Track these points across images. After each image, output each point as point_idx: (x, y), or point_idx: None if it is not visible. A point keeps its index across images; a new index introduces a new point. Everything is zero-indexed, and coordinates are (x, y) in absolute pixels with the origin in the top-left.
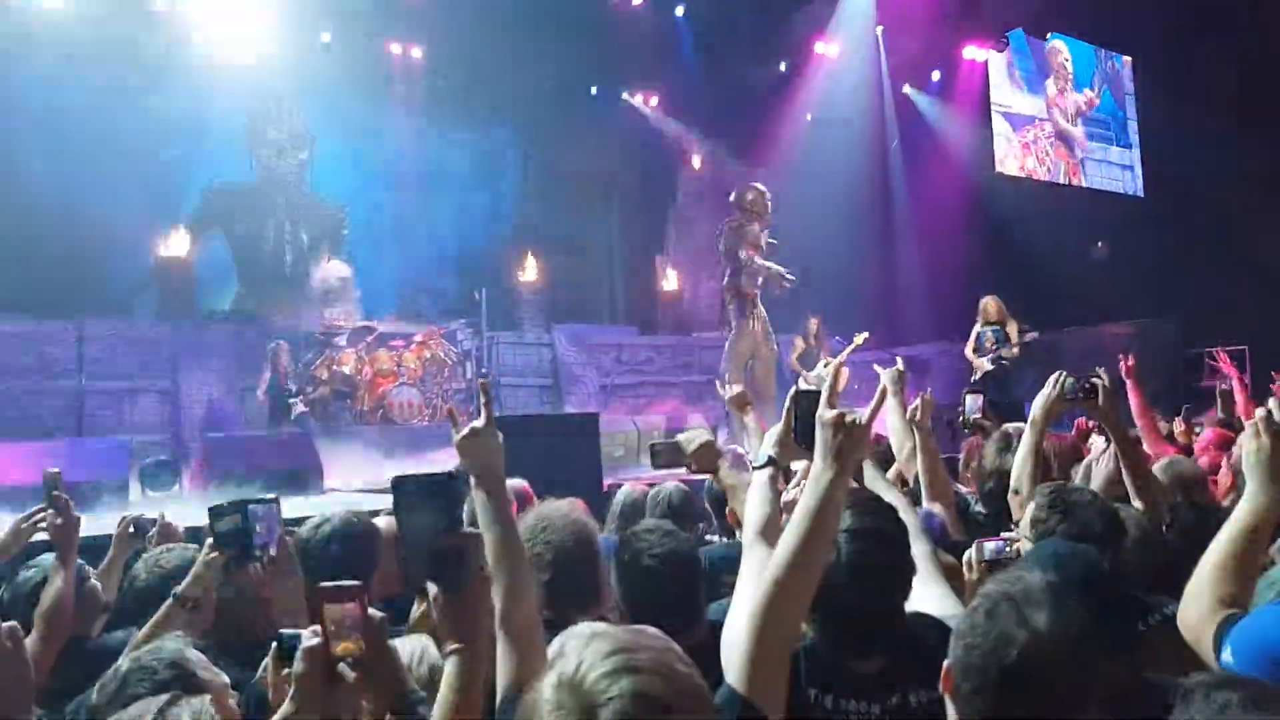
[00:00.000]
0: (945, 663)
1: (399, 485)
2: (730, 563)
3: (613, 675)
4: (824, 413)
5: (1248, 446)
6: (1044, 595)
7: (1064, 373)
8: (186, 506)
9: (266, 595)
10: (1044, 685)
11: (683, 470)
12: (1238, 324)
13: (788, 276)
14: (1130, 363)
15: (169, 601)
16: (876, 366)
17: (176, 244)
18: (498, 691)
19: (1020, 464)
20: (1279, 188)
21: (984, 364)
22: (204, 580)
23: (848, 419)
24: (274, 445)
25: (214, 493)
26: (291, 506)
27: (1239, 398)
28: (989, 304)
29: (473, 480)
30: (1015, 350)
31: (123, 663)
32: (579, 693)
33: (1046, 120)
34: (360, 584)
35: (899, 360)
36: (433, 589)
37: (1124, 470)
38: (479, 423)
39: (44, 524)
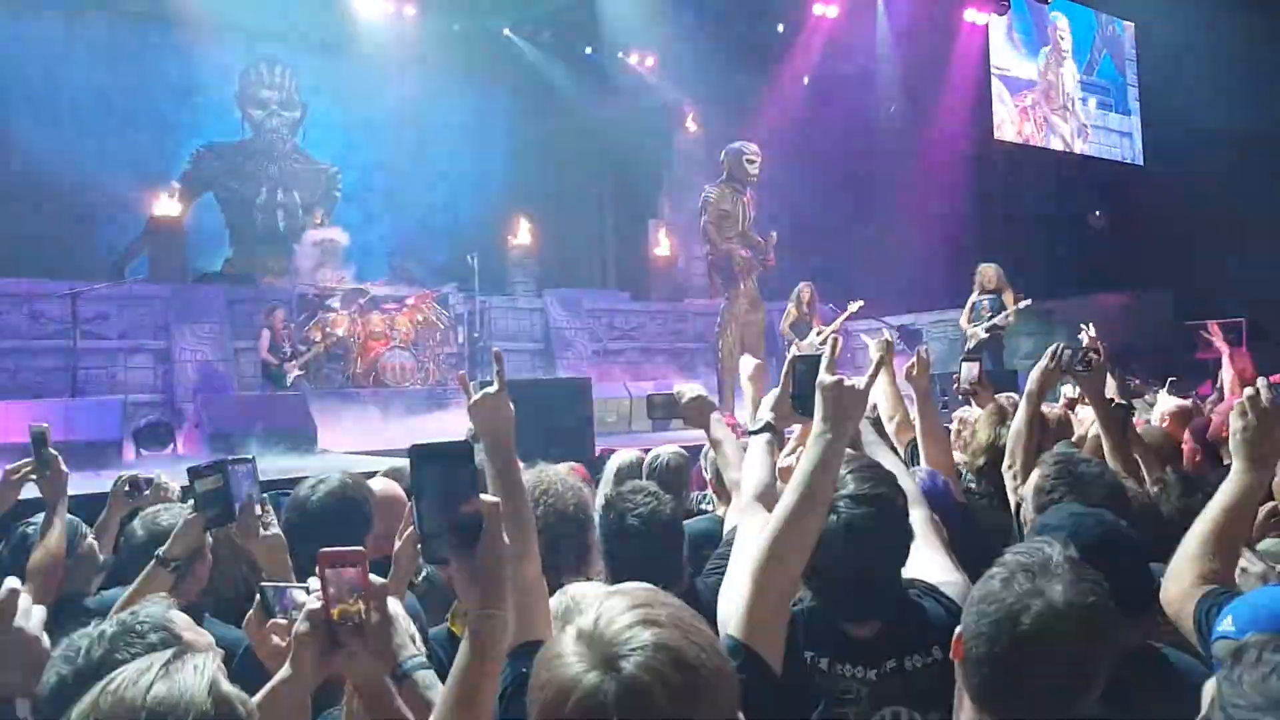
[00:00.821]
0: (956, 629)
1: (418, 453)
2: (710, 537)
3: (634, 627)
4: (824, 377)
5: (1234, 425)
6: (1061, 567)
7: (1062, 344)
8: (180, 467)
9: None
10: (1055, 655)
11: (678, 433)
12: (1236, 295)
13: (764, 262)
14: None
15: (151, 563)
16: (865, 336)
17: (168, 204)
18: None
19: (1015, 437)
20: (1275, 159)
21: (978, 333)
22: (185, 541)
23: (846, 383)
24: (268, 406)
25: (208, 453)
26: (286, 468)
27: (1226, 372)
28: (987, 271)
29: (484, 444)
30: (1011, 319)
31: (106, 626)
32: (601, 643)
33: (1049, 86)
34: (363, 550)
35: (885, 330)
36: (455, 557)
37: (1106, 441)
38: (492, 389)
39: (32, 477)
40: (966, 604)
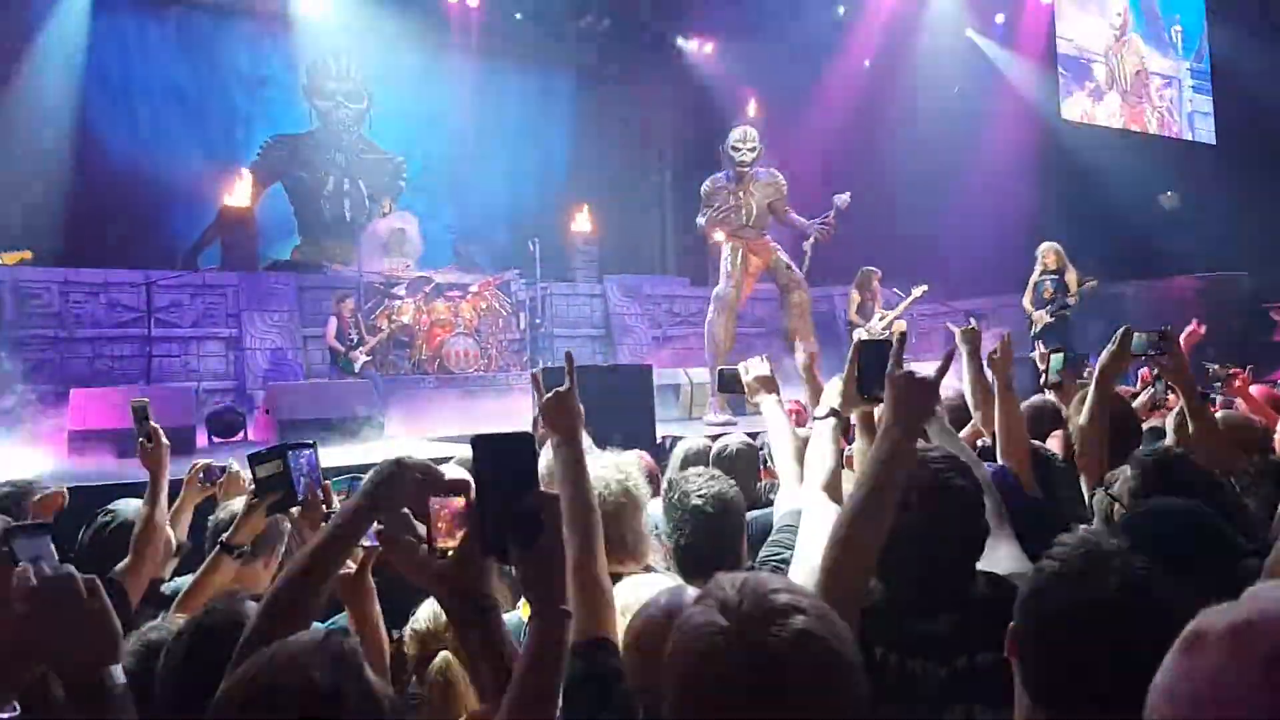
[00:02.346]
0: (1010, 626)
1: (479, 444)
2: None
3: (783, 612)
4: (893, 370)
5: None
6: (1114, 559)
7: (1129, 326)
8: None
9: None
10: (1109, 652)
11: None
12: None
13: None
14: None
15: (215, 550)
16: (950, 324)
17: (240, 193)
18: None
19: (1084, 430)
20: None
21: (1043, 316)
22: (249, 526)
23: (917, 375)
24: (336, 393)
25: (278, 440)
26: (354, 453)
27: None
28: (1048, 251)
29: (553, 439)
30: (1074, 299)
31: (179, 628)
32: (748, 619)
33: (1117, 65)
34: (469, 480)
35: (972, 319)
36: (514, 550)
37: (1195, 426)
38: (563, 388)
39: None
40: (1018, 600)
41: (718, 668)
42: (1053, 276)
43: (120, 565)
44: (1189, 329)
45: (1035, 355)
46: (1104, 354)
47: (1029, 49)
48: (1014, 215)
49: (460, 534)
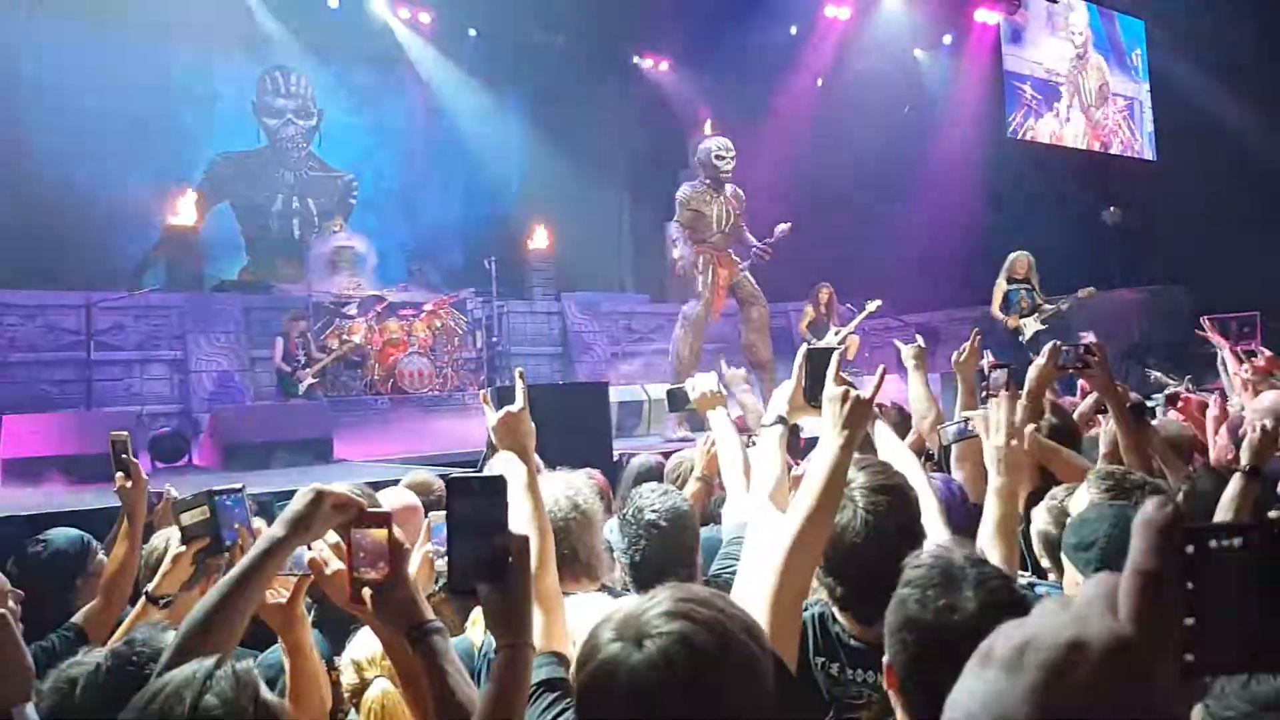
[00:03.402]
0: (884, 660)
1: (454, 486)
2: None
3: (666, 616)
4: (830, 390)
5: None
6: (965, 571)
7: (1057, 342)
8: (195, 479)
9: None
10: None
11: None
12: (1251, 290)
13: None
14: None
15: (140, 600)
16: (898, 342)
17: (184, 212)
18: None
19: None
20: None
21: (1032, 324)
22: (174, 577)
23: (852, 394)
24: (284, 415)
25: (223, 464)
26: (303, 478)
27: (1231, 365)
28: (1020, 260)
29: (505, 457)
30: (1066, 305)
31: (101, 659)
32: (634, 624)
33: (1062, 83)
34: (389, 512)
35: (919, 338)
36: (483, 589)
37: (1121, 439)
38: (515, 406)
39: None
40: (887, 633)
41: (600, 689)
42: (1025, 285)
43: (87, 608)
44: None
45: (985, 364)
46: (1032, 368)
47: (976, 69)
48: (964, 231)
49: (382, 565)
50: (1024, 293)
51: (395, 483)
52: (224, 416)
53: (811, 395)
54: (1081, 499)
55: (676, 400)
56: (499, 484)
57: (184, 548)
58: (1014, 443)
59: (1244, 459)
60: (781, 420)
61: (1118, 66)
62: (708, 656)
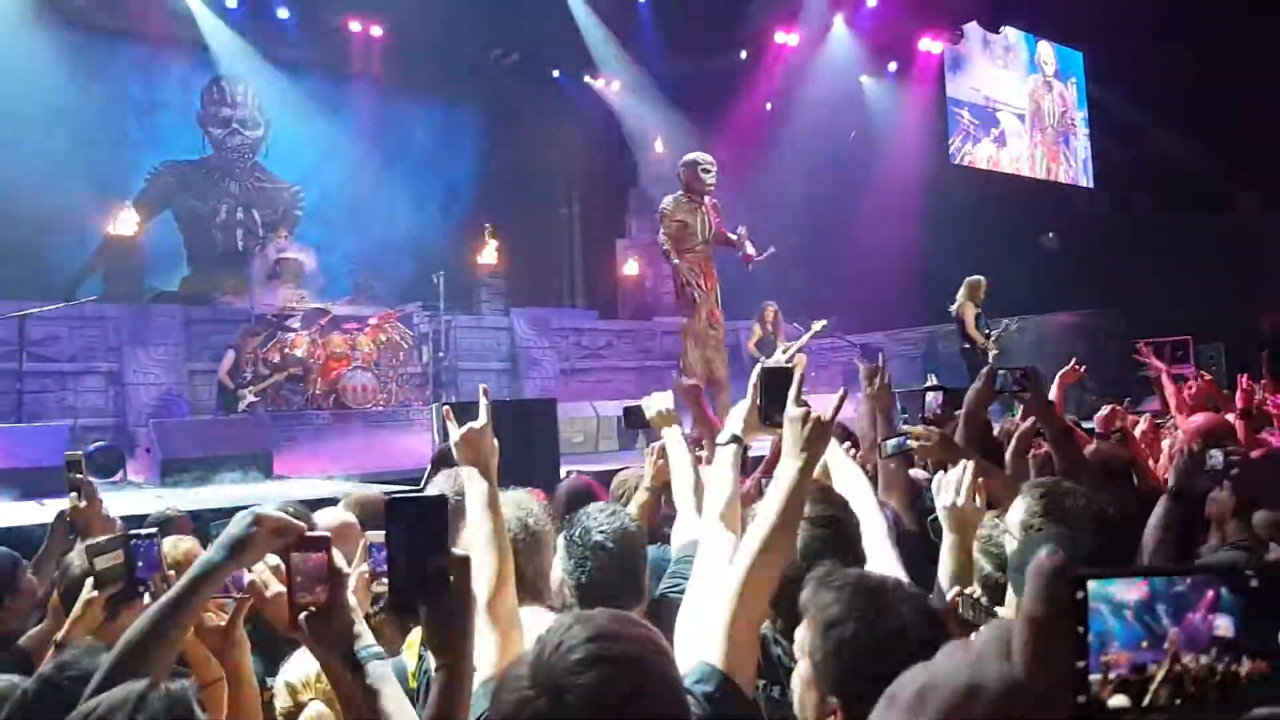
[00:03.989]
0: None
1: (393, 506)
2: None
3: (584, 662)
4: (792, 410)
5: None
6: (895, 593)
7: (995, 365)
8: (131, 494)
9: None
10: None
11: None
12: (1182, 315)
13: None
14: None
15: (51, 650)
16: (857, 360)
17: (124, 223)
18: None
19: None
20: (1221, 183)
21: (992, 346)
22: (84, 624)
23: (813, 414)
24: (223, 430)
25: (160, 479)
26: (239, 495)
27: (1167, 387)
28: (981, 283)
29: (467, 474)
30: (1015, 326)
31: (29, 683)
32: (551, 671)
33: (1001, 110)
34: (328, 536)
35: (881, 355)
36: (423, 609)
37: (1057, 460)
38: (478, 424)
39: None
40: (822, 663)
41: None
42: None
43: (36, 631)
44: (1067, 369)
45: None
46: (970, 391)
47: (919, 96)
48: (907, 253)
49: (320, 589)
50: (985, 315)
51: (335, 500)
52: (163, 430)
53: (767, 415)
54: (1018, 510)
55: (633, 418)
56: (438, 503)
57: (95, 593)
58: (966, 504)
59: (1171, 480)
60: (736, 439)
61: (1055, 95)
62: (627, 698)
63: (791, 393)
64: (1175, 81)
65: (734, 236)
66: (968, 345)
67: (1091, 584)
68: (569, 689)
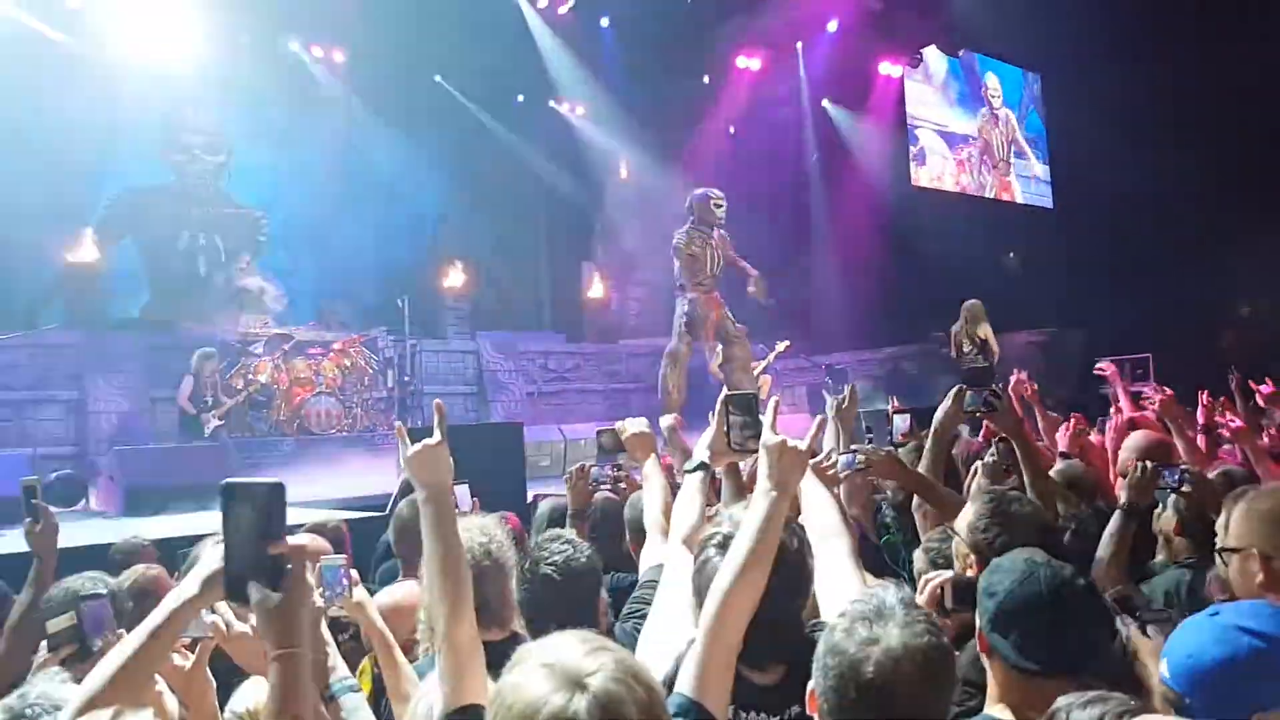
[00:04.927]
0: (809, 685)
1: (228, 490)
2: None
3: (592, 653)
4: (768, 438)
5: None
6: (894, 610)
7: (963, 386)
8: (92, 523)
9: None
10: (898, 698)
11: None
12: (1142, 333)
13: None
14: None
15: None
16: (825, 393)
17: (85, 249)
18: (436, 708)
19: (925, 474)
20: (1178, 202)
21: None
22: None
23: (789, 444)
24: (186, 458)
25: (123, 507)
26: (204, 523)
27: (1124, 405)
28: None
29: (420, 496)
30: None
31: None
32: (563, 669)
33: (962, 133)
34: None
35: (853, 380)
36: (255, 595)
37: (1026, 478)
38: (432, 440)
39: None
40: (814, 660)
41: (543, 714)
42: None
43: None
44: (1014, 380)
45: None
46: (938, 411)
47: (881, 119)
48: (870, 275)
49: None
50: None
51: (299, 527)
52: (124, 458)
53: (734, 440)
54: (967, 515)
55: (605, 442)
56: (277, 490)
57: (49, 654)
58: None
59: (1122, 497)
60: (704, 465)
61: (1015, 118)
62: (646, 674)
63: (767, 420)
64: (1133, 104)
65: (749, 269)
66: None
67: None
68: (591, 673)
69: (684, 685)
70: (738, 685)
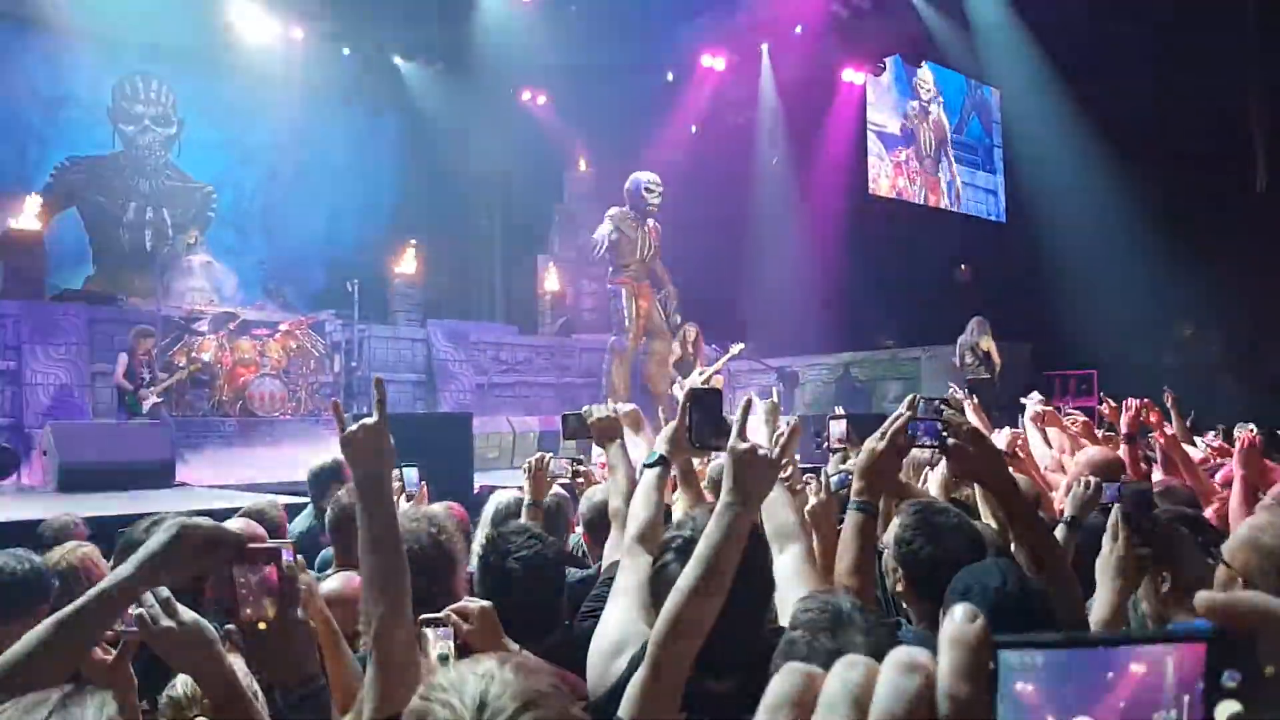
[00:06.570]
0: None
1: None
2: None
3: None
4: (736, 445)
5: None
6: (853, 616)
7: (916, 394)
8: (24, 499)
9: None
10: None
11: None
12: (1088, 348)
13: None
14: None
15: None
16: (754, 396)
17: (27, 217)
18: (364, 712)
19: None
20: (1128, 220)
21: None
22: None
23: (760, 451)
24: (123, 435)
25: (56, 483)
26: (138, 502)
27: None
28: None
29: (355, 482)
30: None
31: None
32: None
33: (919, 144)
34: (279, 548)
35: (775, 391)
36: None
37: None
38: (370, 420)
39: None
40: (774, 671)
41: None
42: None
43: None
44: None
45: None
46: (890, 418)
47: (841, 125)
48: (824, 280)
49: (270, 604)
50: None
51: (235, 510)
52: (60, 433)
53: (698, 437)
54: (893, 526)
55: (571, 426)
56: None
57: None
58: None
59: (1067, 510)
60: (663, 460)
61: (972, 131)
62: None
63: (736, 425)
64: (1088, 117)
65: (666, 278)
66: (987, 375)
67: (1003, 654)
68: None
69: (624, 709)
70: (694, 693)
